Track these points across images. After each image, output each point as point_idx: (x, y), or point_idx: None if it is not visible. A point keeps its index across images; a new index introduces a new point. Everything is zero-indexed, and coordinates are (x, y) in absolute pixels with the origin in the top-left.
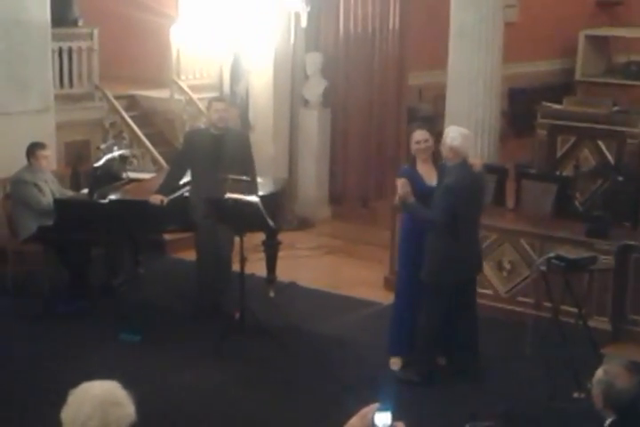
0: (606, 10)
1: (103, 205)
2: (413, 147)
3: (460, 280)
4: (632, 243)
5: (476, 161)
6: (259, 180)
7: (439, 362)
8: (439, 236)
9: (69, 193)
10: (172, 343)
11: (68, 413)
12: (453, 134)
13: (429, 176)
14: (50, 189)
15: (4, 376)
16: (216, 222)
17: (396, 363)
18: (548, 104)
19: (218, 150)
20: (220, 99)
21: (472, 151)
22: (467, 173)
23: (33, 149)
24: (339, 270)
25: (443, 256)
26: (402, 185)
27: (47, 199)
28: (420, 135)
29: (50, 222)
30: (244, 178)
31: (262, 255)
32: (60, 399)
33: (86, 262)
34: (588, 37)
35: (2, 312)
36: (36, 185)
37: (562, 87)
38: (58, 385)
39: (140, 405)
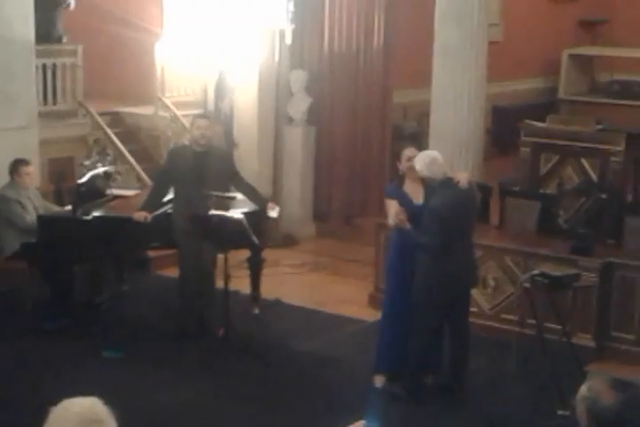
0: (589, 29)
1: (87, 221)
2: (405, 164)
3: (451, 297)
4: (615, 260)
5: (462, 176)
6: (239, 197)
7: (427, 380)
8: (428, 255)
9: (55, 208)
10: (156, 360)
11: None
12: (420, 164)
13: (416, 195)
14: (34, 205)
15: None
16: (198, 239)
17: (379, 380)
18: (532, 122)
19: (201, 167)
20: (203, 116)
21: (457, 166)
22: (451, 192)
23: (16, 166)
24: (323, 288)
25: (435, 274)
26: (397, 213)
27: (31, 217)
28: (411, 152)
29: (33, 239)
30: (228, 195)
31: (247, 272)
32: (41, 417)
33: (70, 279)
34: (572, 56)
35: None
36: (19, 202)
37: (545, 106)
38: (40, 402)
39: (123, 422)
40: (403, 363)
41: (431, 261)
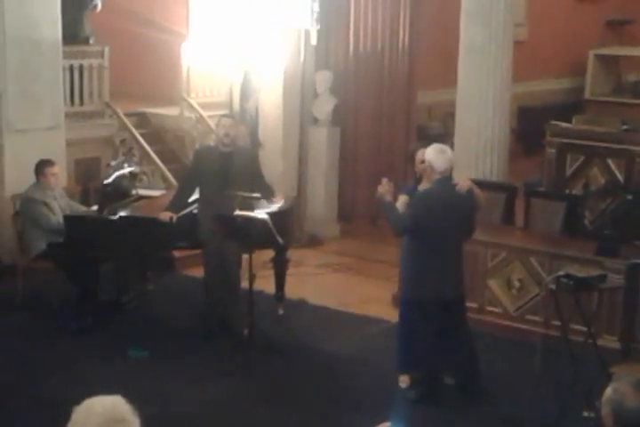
0: (616, 29)
1: (113, 221)
2: (419, 167)
3: (435, 300)
4: None
5: (464, 181)
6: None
7: (447, 381)
8: (409, 250)
9: (81, 208)
10: (181, 360)
11: None
12: (428, 151)
13: None
14: (59, 205)
15: (11, 391)
16: (223, 240)
17: (404, 381)
18: (558, 122)
19: (226, 168)
20: (227, 116)
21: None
22: (442, 188)
23: (41, 167)
24: (347, 288)
25: (412, 272)
26: (384, 183)
27: (56, 217)
28: (419, 155)
29: (59, 240)
30: (254, 195)
31: (271, 272)
32: (66, 416)
33: (96, 279)
34: (598, 56)
35: (11, 328)
36: (45, 203)
37: (571, 106)
38: (64, 401)
39: (147, 420)
40: (417, 364)
41: (408, 259)
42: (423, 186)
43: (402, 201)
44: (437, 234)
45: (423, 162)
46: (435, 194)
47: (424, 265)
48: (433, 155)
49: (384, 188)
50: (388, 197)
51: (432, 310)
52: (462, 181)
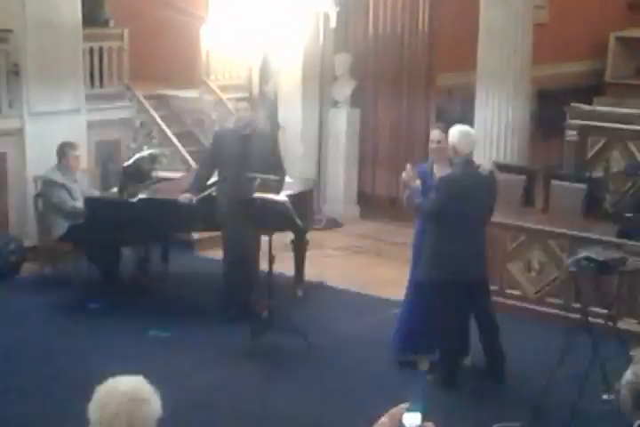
0: (637, 11)
1: (133, 203)
2: (430, 146)
3: (457, 281)
4: None
5: (485, 163)
6: (287, 179)
7: (465, 362)
8: (434, 234)
9: (96, 193)
10: (201, 341)
11: (94, 410)
12: (453, 132)
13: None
14: (81, 188)
15: (35, 371)
16: (242, 222)
17: (423, 364)
18: (578, 105)
19: (245, 150)
20: (242, 99)
21: (492, 151)
22: (466, 170)
23: (64, 149)
24: (367, 270)
25: (433, 252)
26: (408, 169)
27: (73, 201)
28: (433, 135)
29: (80, 221)
30: (273, 177)
31: (290, 255)
32: (88, 395)
33: (116, 260)
34: (619, 39)
35: (34, 309)
36: (64, 186)
37: (591, 89)
38: (86, 381)
39: (168, 401)
40: (434, 347)
41: (431, 240)
42: (438, 166)
43: (407, 168)
44: (463, 216)
45: (432, 142)
46: (460, 177)
47: (449, 247)
48: (458, 137)
49: (408, 174)
50: (414, 183)
51: (455, 292)
52: (484, 163)
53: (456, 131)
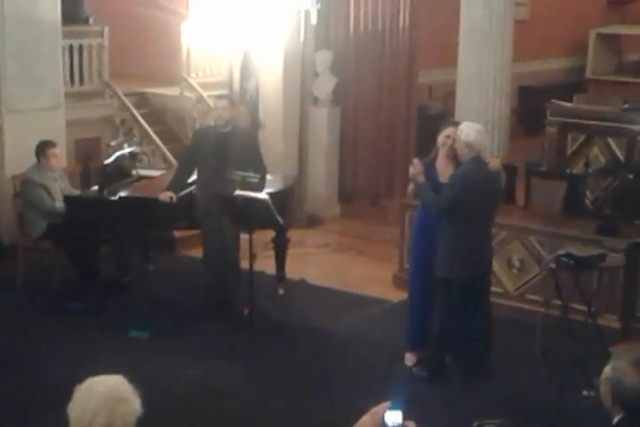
0: (617, 8)
1: (113, 201)
2: (442, 139)
3: (471, 277)
4: None
5: (494, 160)
6: (268, 177)
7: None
8: (448, 230)
9: (76, 193)
10: (181, 340)
11: (74, 409)
12: (467, 130)
13: (444, 173)
14: (60, 187)
15: (13, 371)
16: (222, 220)
17: (410, 359)
18: (558, 102)
19: (225, 148)
20: (221, 97)
21: (488, 147)
22: (478, 167)
23: (43, 148)
24: (348, 268)
25: (452, 251)
26: (415, 164)
27: (52, 201)
28: (451, 131)
29: (59, 220)
30: (253, 175)
31: (272, 253)
32: (69, 395)
33: (96, 259)
34: (599, 35)
35: (12, 309)
36: (43, 186)
37: (572, 85)
38: (66, 381)
39: (148, 401)
40: (430, 342)
41: (449, 238)
42: (439, 162)
43: (415, 163)
44: (477, 212)
45: (448, 137)
46: (472, 173)
47: (466, 243)
48: (475, 135)
49: (416, 169)
50: (421, 178)
51: (464, 288)
52: (492, 160)
53: (472, 129)
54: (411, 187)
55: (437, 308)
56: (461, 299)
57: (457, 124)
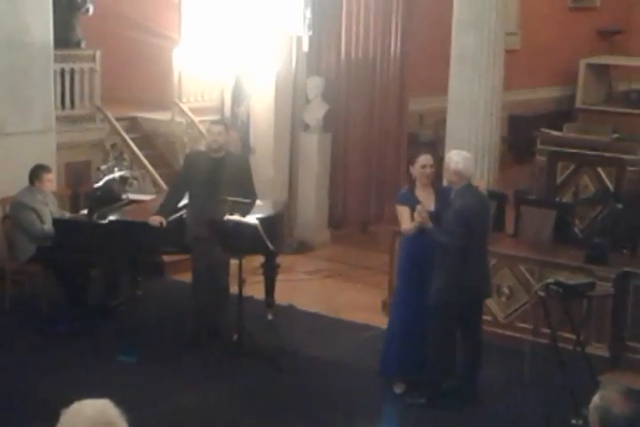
0: (607, 38)
1: (103, 225)
2: (418, 171)
3: (466, 303)
4: (631, 270)
5: (481, 183)
6: (258, 202)
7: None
8: (449, 257)
9: (66, 216)
10: (170, 365)
11: None
12: (457, 158)
13: (427, 201)
14: (50, 211)
15: (0, 394)
16: (211, 245)
17: (399, 386)
18: (548, 131)
19: (216, 173)
20: (217, 122)
21: (476, 173)
22: (474, 196)
23: (38, 172)
24: (337, 294)
25: (452, 277)
26: (419, 211)
27: (45, 224)
28: (426, 160)
29: (48, 243)
30: (244, 200)
31: (261, 278)
32: (55, 419)
33: (85, 283)
34: (589, 65)
35: (0, 332)
36: (34, 209)
37: (562, 114)
38: (53, 405)
39: (135, 424)
40: (419, 370)
41: (454, 263)
42: (419, 192)
43: (406, 215)
44: (476, 239)
45: (424, 167)
46: (471, 205)
47: (467, 268)
48: (463, 162)
49: (421, 215)
50: (429, 224)
51: (458, 312)
52: (480, 184)
53: (459, 156)
54: (410, 227)
55: (432, 335)
56: (455, 325)
57: (428, 151)
